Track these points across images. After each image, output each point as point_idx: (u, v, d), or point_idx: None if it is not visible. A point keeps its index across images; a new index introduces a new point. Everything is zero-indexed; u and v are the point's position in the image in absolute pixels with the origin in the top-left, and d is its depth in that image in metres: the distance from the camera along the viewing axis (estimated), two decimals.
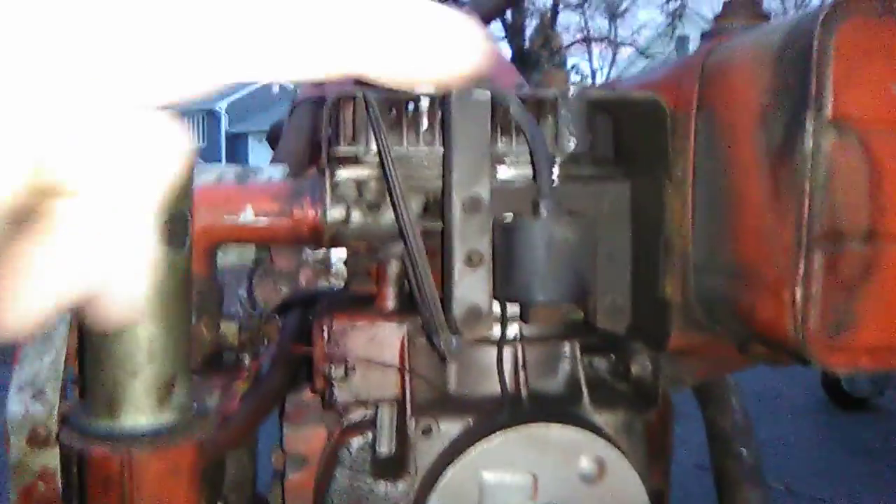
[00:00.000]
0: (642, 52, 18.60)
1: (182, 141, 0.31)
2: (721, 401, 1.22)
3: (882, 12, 0.65)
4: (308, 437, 0.94)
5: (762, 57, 0.71)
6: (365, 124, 0.84)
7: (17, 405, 0.75)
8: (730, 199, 0.75)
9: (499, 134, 0.85)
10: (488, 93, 0.78)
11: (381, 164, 0.82)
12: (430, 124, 0.85)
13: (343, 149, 0.84)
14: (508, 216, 0.80)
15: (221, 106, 35.79)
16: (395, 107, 0.86)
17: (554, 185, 0.80)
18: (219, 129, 35.96)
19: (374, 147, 0.84)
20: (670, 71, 0.89)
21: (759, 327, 0.72)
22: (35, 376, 0.76)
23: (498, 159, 0.85)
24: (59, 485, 0.75)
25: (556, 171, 0.86)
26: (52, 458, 0.75)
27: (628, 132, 0.90)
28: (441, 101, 0.83)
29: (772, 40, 0.71)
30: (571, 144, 0.84)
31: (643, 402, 0.91)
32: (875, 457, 3.96)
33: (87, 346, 0.66)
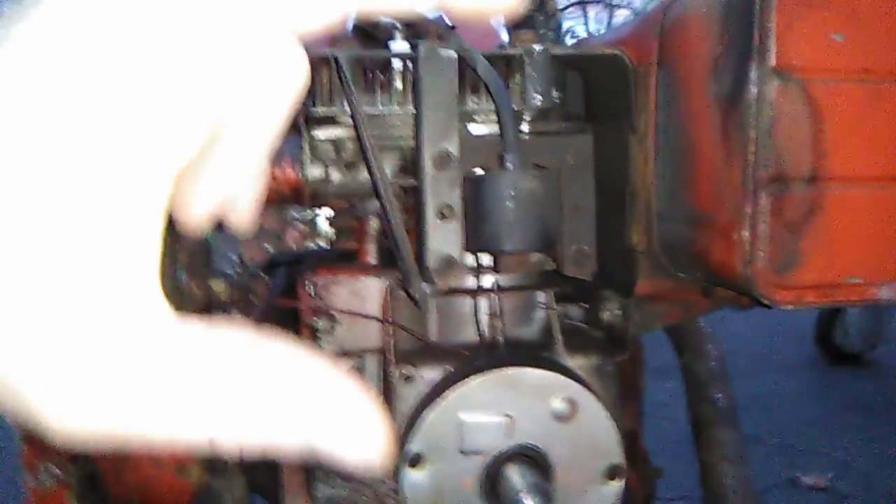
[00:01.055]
0: (637, 15, 18.44)
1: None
2: (696, 347, 1.27)
3: None
4: None
5: (711, 10, 0.75)
6: (340, 85, 0.88)
7: None
8: (686, 149, 0.79)
9: (468, 92, 0.89)
10: (454, 51, 0.82)
11: (354, 125, 0.86)
12: (404, 84, 0.89)
13: (320, 109, 0.88)
14: (478, 170, 0.84)
15: None
16: (368, 68, 0.90)
17: (520, 139, 0.84)
18: None
19: (349, 107, 0.88)
20: (635, 27, 0.93)
21: (714, 269, 0.77)
22: None
23: (468, 116, 0.89)
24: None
25: (524, 126, 0.90)
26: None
27: (595, 87, 0.94)
28: (412, 61, 0.87)
29: None
30: (537, 100, 0.88)
31: (614, 347, 0.96)
32: (867, 410, 4.04)
33: None
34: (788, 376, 4.53)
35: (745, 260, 0.71)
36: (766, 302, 0.73)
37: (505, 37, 1.73)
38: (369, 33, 1.00)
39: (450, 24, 1.70)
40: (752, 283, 0.72)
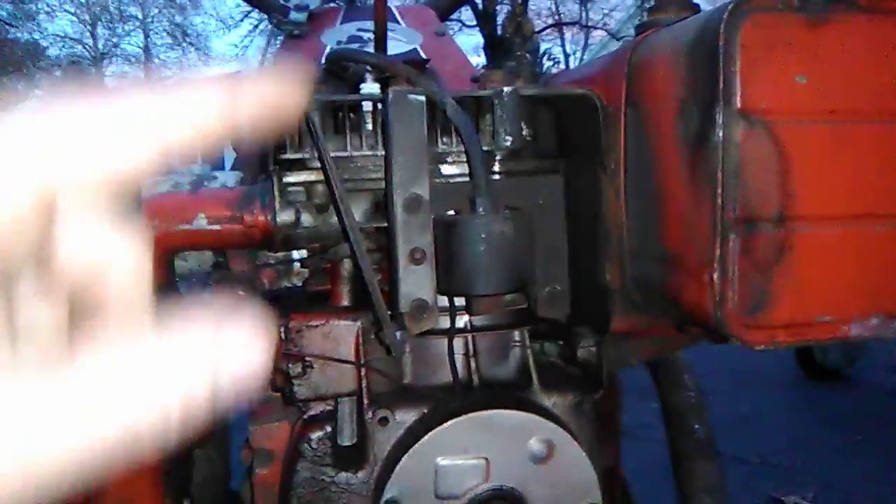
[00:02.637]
0: (614, 35, 18.67)
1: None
2: (674, 379, 1.27)
3: (781, 7, 0.69)
4: (272, 433, 0.97)
5: (678, 52, 0.76)
6: (311, 129, 0.87)
7: None
8: (655, 189, 0.80)
9: (439, 133, 0.88)
10: (423, 94, 0.82)
11: (323, 170, 0.86)
12: (374, 126, 0.89)
13: (290, 154, 0.88)
14: (450, 213, 0.83)
15: None
16: (339, 111, 0.89)
17: (491, 181, 0.84)
18: None
19: (320, 151, 0.87)
20: (603, 65, 0.93)
21: (686, 309, 0.77)
22: None
23: (440, 158, 0.88)
24: None
25: (495, 166, 0.90)
26: None
27: (566, 126, 0.94)
28: (382, 104, 0.87)
29: (686, 36, 0.75)
30: (508, 141, 0.88)
31: (591, 384, 0.95)
32: (848, 427, 4.05)
33: None
34: (770, 394, 4.55)
35: (715, 301, 0.71)
36: (738, 343, 0.73)
37: (477, 71, 1.74)
38: (340, 74, 1.00)
39: (424, 56, 1.71)
40: (724, 324, 0.72)
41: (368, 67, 0.94)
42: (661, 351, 1.09)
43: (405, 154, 0.81)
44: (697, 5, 0.93)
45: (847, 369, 4.71)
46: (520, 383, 0.95)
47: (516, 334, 0.96)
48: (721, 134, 0.69)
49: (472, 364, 0.94)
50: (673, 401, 1.28)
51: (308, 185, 0.89)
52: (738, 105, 0.69)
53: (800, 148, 0.70)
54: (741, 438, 3.71)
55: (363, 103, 0.90)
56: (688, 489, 1.22)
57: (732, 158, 0.69)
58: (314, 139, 0.83)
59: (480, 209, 0.80)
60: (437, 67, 1.63)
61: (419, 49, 1.79)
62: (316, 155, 0.88)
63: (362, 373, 0.92)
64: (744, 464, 3.54)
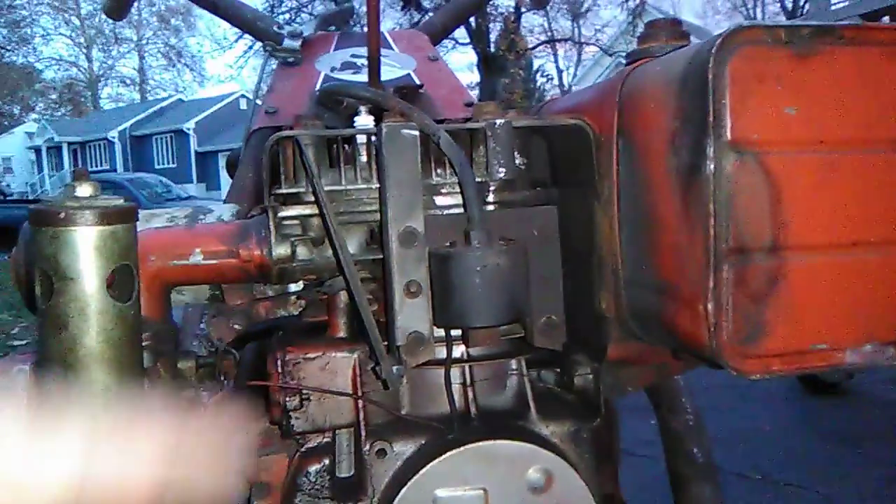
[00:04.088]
0: (606, 51, 18.80)
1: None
2: (672, 402, 1.27)
3: (771, 41, 0.70)
4: (270, 465, 0.97)
5: (668, 84, 0.76)
6: (304, 163, 0.88)
7: None
8: (649, 218, 0.80)
9: (433, 165, 0.89)
10: (416, 128, 0.83)
11: (317, 204, 0.86)
12: (368, 160, 0.90)
13: (285, 189, 0.88)
14: (445, 245, 0.84)
15: (190, 126, 35.66)
16: (334, 145, 0.90)
17: (486, 212, 0.84)
18: (188, 148, 35.79)
19: (314, 185, 0.88)
20: (594, 94, 0.94)
21: (681, 338, 0.77)
22: None
23: (434, 190, 0.89)
24: None
25: (490, 197, 0.90)
26: None
27: (559, 156, 0.94)
28: (375, 138, 0.87)
29: (676, 68, 0.76)
30: (502, 172, 0.88)
31: (588, 412, 0.95)
32: (847, 441, 4.05)
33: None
34: (769, 409, 4.54)
35: (710, 331, 0.72)
36: (733, 372, 0.73)
37: (470, 95, 1.75)
38: (334, 107, 1.01)
39: (417, 81, 1.72)
40: (719, 354, 0.72)
41: (363, 102, 0.94)
42: (658, 377, 1.09)
43: (399, 188, 0.81)
44: (688, 34, 0.94)
45: (845, 383, 4.71)
46: (517, 412, 0.95)
47: (513, 363, 0.96)
48: (712, 166, 0.70)
49: (470, 394, 0.94)
50: (671, 424, 1.28)
51: (303, 219, 0.89)
52: (729, 137, 0.70)
53: (790, 178, 0.71)
54: (741, 454, 3.71)
55: (357, 136, 0.90)
56: None
57: (724, 190, 0.70)
58: (308, 174, 0.84)
59: (475, 242, 0.80)
60: (431, 92, 1.64)
61: (413, 74, 1.80)
62: (311, 189, 0.88)
63: (360, 405, 0.92)
64: (744, 479, 3.53)
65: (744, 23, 0.72)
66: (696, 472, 1.21)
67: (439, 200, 0.89)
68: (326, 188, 0.87)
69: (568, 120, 0.89)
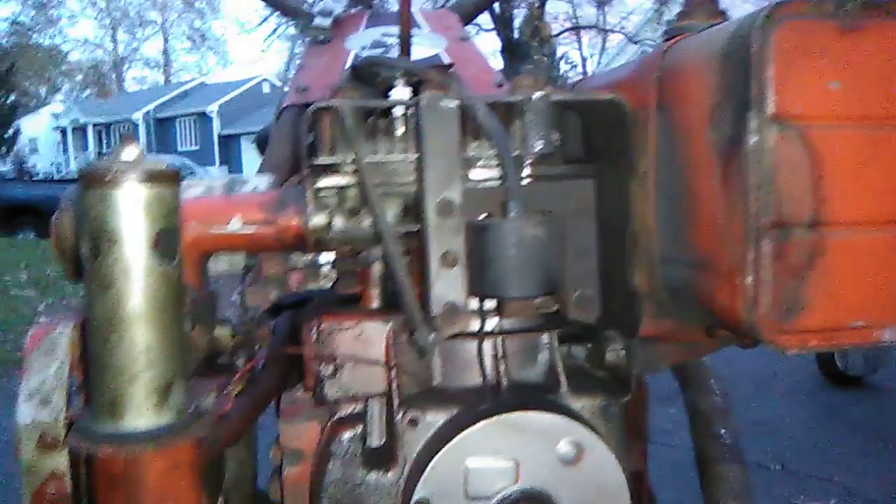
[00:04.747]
0: (631, 39, 18.63)
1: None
2: (700, 383, 1.27)
3: (815, 14, 0.70)
4: (302, 433, 0.99)
5: (710, 58, 0.76)
6: (343, 134, 0.89)
7: (26, 413, 0.80)
8: (686, 194, 0.80)
9: (470, 138, 0.89)
10: (456, 100, 0.83)
11: (360, 172, 0.87)
12: (405, 131, 0.90)
13: (323, 159, 0.89)
14: (482, 217, 0.84)
15: (213, 109, 35.86)
16: (371, 116, 0.91)
17: (523, 185, 0.85)
18: (211, 131, 36.01)
19: (352, 156, 0.88)
20: (632, 70, 0.94)
21: (718, 313, 0.77)
22: (41, 385, 0.81)
23: (470, 162, 0.89)
24: (68, 485, 0.80)
25: (525, 171, 0.91)
26: (60, 461, 0.80)
27: (595, 131, 0.94)
28: (413, 109, 0.88)
29: (718, 42, 0.76)
30: (538, 145, 0.89)
31: (618, 388, 0.96)
32: (870, 434, 4.02)
33: (90, 355, 0.71)
34: (791, 401, 4.52)
35: (748, 306, 0.72)
36: (770, 346, 0.73)
37: (499, 75, 1.75)
38: (370, 80, 1.01)
39: (447, 61, 1.72)
40: (756, 328, 0.72)
41: (399, 74, 0.95)
42: (689, 355, 1.09)
43: (438, 158, 0.82)
44: (725, 11, 0.94)
45: (868, 376, 4.67)
46: (549, 386, 0.95)
47: (545, 337, 0.96)
48: (754, 139, 0.70)
49: (502, 366, 0.94)
50: (699, 405, 1.28)
51: (340, 189, 0.90)
52: (772, 110, 0.69)
53: (833, 153, 0.71)
54: (762, 444, 3.69)
55: (394, 109, 0.91)
56: (714, 493, 1.22)
57: (765, 163, 0.70)
58: (349, 143, 0.85)
59: (512, 213, 0.80)
60: (461, 72, 1.64)
61: (443, 53, 1.80)
62: (348, 160, 0.89)
63: (392, 374, 0.93)
64: (764, 470, 3.52)
65: None
66: (724, 452, 1.21)
67: (476, 173, 0.89)
68: (364, 160, 0.87)
69: (605, 95, 0.89)
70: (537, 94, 0.87)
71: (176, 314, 0.72)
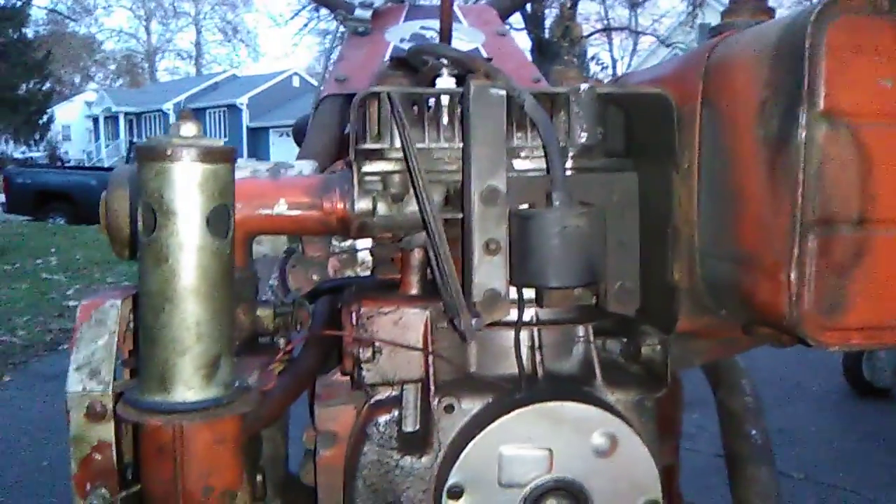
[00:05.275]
0: (663, 42, 18.50)
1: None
2: (732, 383, 1.27)
3: (870, 11, 0.70)
4: (338, 416, 1.00)
5: (760, 53, 0.76)
6: (389, 120, 0.90)
7: (75, 383, 0.82)
8: (732, 189, 0.80)
9: (514, 128, 0.90)
10: (504, 90, 0.84)
11: (405, 158, 0.88)
12: (451, 120, 0.91)
13: (369, 144, 0.90)
14: (525, 206, 0.85)
15: (243, 101, 36.12)
16: (417, 103, 0.92)
17: (566, 176, 0.85)
18: (240, 123, 36.28)
19: (398, 142, 0.90)
20: (677, 66, 0.94)
21: (759, 309, 0.78)
22: (91, 357, 0.83)
23: (514, 153, 0.90)
24: (114, 455, 0.82)
25: (568, 162, 0.91)
26: (107, 432, 0.82)
27: (638, 125, 0.95)
28: (460, 98, 0.89)
29: (769, 37, 0.76)
30: (583, 137, 0.89)
31: (653, 383, 0.96)
32: (887, 442, 3.97)
33: (141, 328, 0.73)
34: (816, 409, 4.47)
35: (791, 301, 0.72)
36: (811, 343, 0.73)
37: (536, 71, 1.75)
38: (415, 68, 1.03)
39: (486, 55, 1.73)
40: (799, 324, 0.72)
41: (445, 62, 0.96)
42: (725, 352, 1.10)
43: (484, 147, 0.82)
44: (772, 9, 0.94)
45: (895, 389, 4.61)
46: (584, 378, 0.96)
47: (581, 329, 0.97)
48: (803, 134, 0.70)
49: (538, 356, 0.95)
50: (730, 404, 1.28)
51: (385, 175, 0.91)
52: (822, 106, 0.69)
53: (882, 151, 0.70)
54: (785, 453, 3.66)
55: (441, 96, 0.92)
56: (743, 494, 1.22)
57: (814, 159, 0.70)
58: (399, 130, 0.86)
59: (556, 203, 0.81)
60: (499, 66, 1.65)
61: (481, 48, 1.81)
62: (394, 145, 0.90)
63: (429, 360, 0.94)
64: (787, 479, 3.49)
65: None
66: (754, 453, 1.21)
67: (521, 163, 0.90)
68: (404, 146, 0.89)
69: (650, 89, 0.90)
70: (583, 87, 0.88)
71: (226, 291, 0.73)
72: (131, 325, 0.87)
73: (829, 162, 0.70)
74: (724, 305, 0.86)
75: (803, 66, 0.69)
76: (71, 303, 6.98)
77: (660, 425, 0.98)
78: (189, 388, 0.71)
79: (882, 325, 0.73)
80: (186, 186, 0.68)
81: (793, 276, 0.71)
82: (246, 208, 0.91)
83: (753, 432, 1.24)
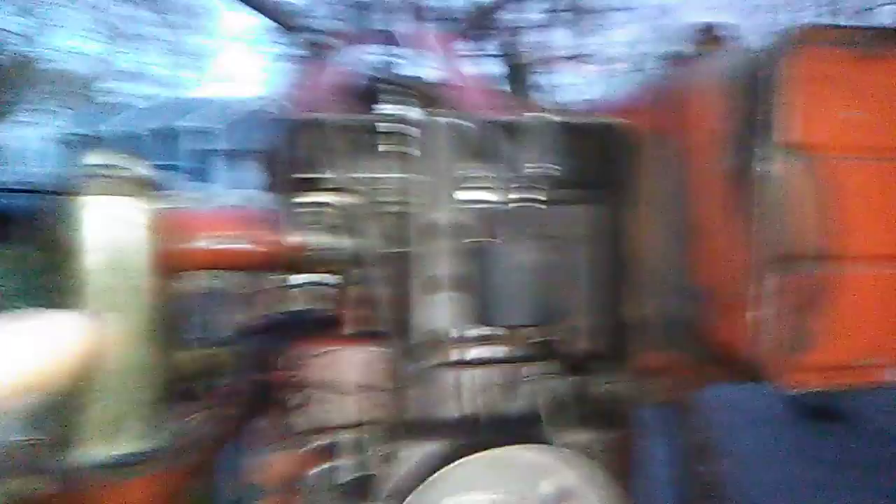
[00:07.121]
0: (629, 68, 18.87)
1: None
2: (685, 418, 1.22)
3: (835, 42, 0.66)
4: (268, 465, 0.92)
5: (717, 84, 0.73)
6: (326, 150, 0.84)
7: None
8: (689, 222, 0.76)
9: (466, 158, 0.85)
10: (450, 118, 0.79)
11: (342, 189, 0.82)
12: (391, 149, 0.85)
13: (305, 174, 0.84)
14: (473, 241, 0.80)
15: (208, 124, 35.66)
16: (356, 132, 0.86)
17: (519, 208, 0.80)
18: (206, 147, 35.74)
19: (335, 172, 0.83)
20: (633, 95, 0.91)
21: (719, 347, 0.73)
22: None
23: (466, 182, 0.85)
24: None
25: (521, 194, 0.86)
26: (19, 488, 0.73)
27: (593, 155, 0.91)
28: (402, 126, 0.83)
29: (726, 68, 0.72)
30: (537, 168, 0.84)
31: (607, 421, 0.91)
32: (836, 468, 4.00)
33: None
34: (754, 432, 4.48)
35: (751, 341, 0.68)
36: (773, 385, 0.69)
37: (495, 97, 1.71)
38: (355, 94, 0.97)
39: (444, 81, 1.69)
40: (759, 364, 0.68)
41: (387, 88, 0.90)
42: (684, 389, 1.05)
43: (430, 178, 0.77)
44: (723, 38, 0.91)
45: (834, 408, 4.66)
46: (533, 419, 0.90)
47: (530, 368, 0.91)
48: (763, 168, 0.66)
49: (485, 397, 0.89)
50: (683, 441, 1.23)
51: (322, 207, 0.85)
52: (782, 139, 0.66)
53: (846, 185, 0.67)
54: (730, 478, 3.65)
55: (380, 124, 0.86)
56: None
57: (773, 193, 0.66)
58: (333, 159, 0.80)
59: (506, 238, 0.76)
60: (455, 91, 1.61)
61: (439, 73, 1.77)
62: (331, 175, 0.84)
63: (367, 404, 0.87)
64: None
65: (806, 22, 0.68)
66: (704, 493, 1.16)
67: (471, 194, 0.85)
68: (350, 176, 0.83)
69: (608, 119, 0.85)
70: (538, 116, 0.83)
71: (151, 337, 0.66)
72: None
73: (790, 196, 0.66)
74: (683, 342, 0.82)
75: (763, 97, 0.66)
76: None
77: (614, 466, 0.93)
78: (120, 441, 0.64)
79: (845, 364, 0.70)
80: (105, 223, 0.61)
81: (753, 315, 0.67)
82: (177, 242, 0.84)
83: (705, 470, 1.20)
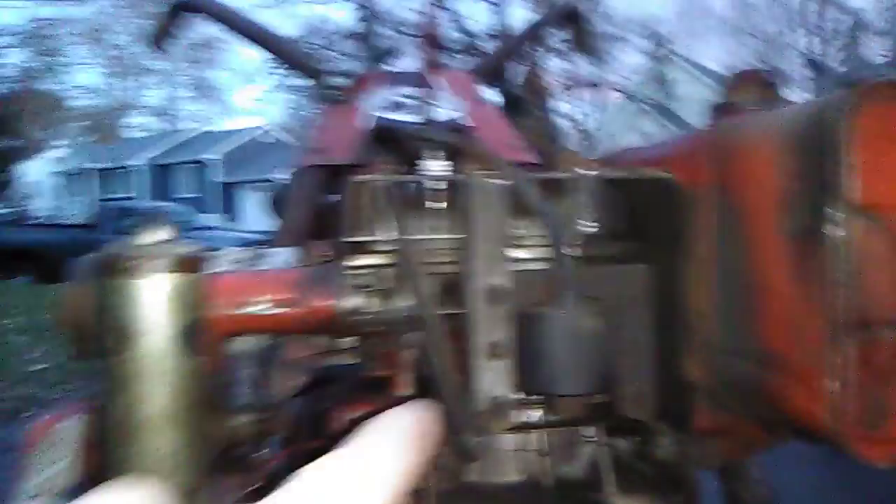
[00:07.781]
0: (630, 97, 18.87)
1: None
2: (740, 473, 1.19)
3: None
4: None
5: (783, 141, 0.71)
6: (379, 210, 0.83)
7: None
8: (753, 283, 0.74)
9: (517, 218, 0.84)
10: (504, 178, 0.78)
11: (397, 251, 0.81)
12: (447, 210, 0.84)
13: (356, 237, 0.83)
14: (530, 306, 0.78)
15: (214, 156, 36.13)
16: (409, 192, 0.85)
17: (576, 269, 0.79)
18: (212, 179, 36.21)
19: (388, 233, 0.83)
20: (682, 146, 0.89)
21: (792, 414, 0.71)
22: (50, 483, 0.73)
23: (517, 243, 0.84)
24: None
25: (576, 253, 0.85)
26: None
27: (645, 211, 0.89)
28: (457, 187, 0.82)
29: (793, 124, 0.71)
30: (589, 226, 0.83)
31: (668, 485, 0.89)
32: (886, 502, 3.90)
33: (104, 456, 0.64)
34: (804, 466, 4.39)
35: (832, 412, 0.65)
36: (856, 458, 0.66)
37: (519, 139, 1.71)
38: (393, 146, 0.96)
39: (468, 124, 1.68)
40: (841, 437, 0.65)
41: (425, 142, 0.90)
42: (745, 451, 1.02)
43: (485, 241, 0.76)
44: (775, 84, 0.89)
45: None
46: (593, 483, 0.88)
47: (590, 431, 0.89)
48: (835, 230, 0.64)
49: (544, 462, 0.87)
50: (737, 493, 1.20)
51: (375, 269, 0.84)
52: (856, 200, 0.64)
53: None
54: None
55: (429, 183, 0.86)
56: None
57: (848, 257, 0.64)
58: (390, 219, 0.79)
59: (566, 303, 0.74)
60: (482, 135, 1.60)
61: (463, 116, 1.77)
62: (383, 237, 0.83)
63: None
64: None
65: (878, 78, 0.66)
66: None
67: (522, 254, 0.83)
68: (397, 237, 0.82)
69: (658, 173, 0.84)
70: (588, 172, 0.82)
71: (202, 412, 0.65)
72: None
73: (865, 260, 0.64)
74: (744, 405, 0.79)
75: (835, 155, 0.64)
76: (36, 367, 6.75)
77: None
78: None
79: None
80: (153, 303, 0.60)
81: (832, 384, 0.65)
82: (222, 307, 0.83)
83: None
